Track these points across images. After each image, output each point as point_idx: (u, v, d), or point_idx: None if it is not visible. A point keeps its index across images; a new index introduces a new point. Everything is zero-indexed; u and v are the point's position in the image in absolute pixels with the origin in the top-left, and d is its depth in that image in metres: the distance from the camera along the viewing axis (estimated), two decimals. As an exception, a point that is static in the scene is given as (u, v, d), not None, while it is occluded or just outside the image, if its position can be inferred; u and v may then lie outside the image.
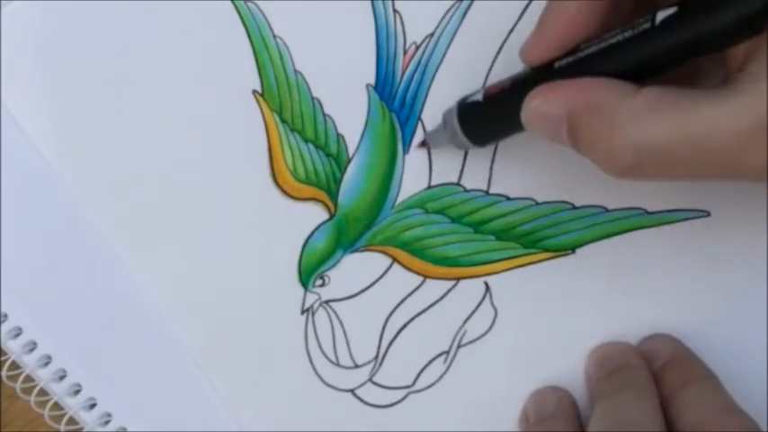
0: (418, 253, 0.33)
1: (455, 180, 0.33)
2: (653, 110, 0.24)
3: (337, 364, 0.34)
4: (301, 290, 0.33)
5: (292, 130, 0.33)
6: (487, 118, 0.30)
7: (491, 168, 0.33)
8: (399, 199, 0.33)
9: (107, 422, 0.34)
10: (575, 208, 0.33)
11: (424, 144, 0.33)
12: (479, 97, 0.29)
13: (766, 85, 0.22)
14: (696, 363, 0.31)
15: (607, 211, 0.33)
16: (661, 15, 0.24)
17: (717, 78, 0.26)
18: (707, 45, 0.23)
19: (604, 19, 0.26)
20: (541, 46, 0.27)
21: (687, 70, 0.25)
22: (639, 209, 0.33)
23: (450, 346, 0.33)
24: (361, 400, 0.34)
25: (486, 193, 0.33)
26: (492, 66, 0.32)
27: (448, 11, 0.32)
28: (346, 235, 0.33)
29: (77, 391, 0.34)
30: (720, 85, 0.24)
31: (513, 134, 0.29)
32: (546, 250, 0.33)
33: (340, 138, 0.33)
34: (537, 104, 0.26)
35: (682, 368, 0.31)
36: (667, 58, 0.24)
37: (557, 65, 0.26)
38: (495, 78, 0.32)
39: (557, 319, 0.33)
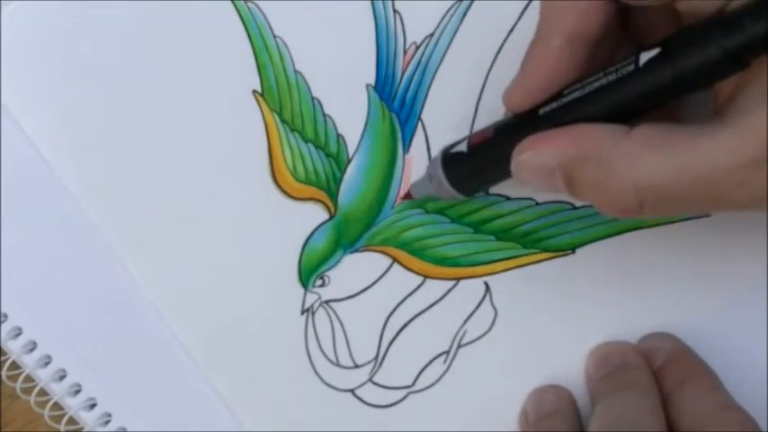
0: (418, 253, 0.33)
1: (455, 180, 0.33)
2: (647, 150, 0.23)
3: (337, 364, 0.34)
4: (301, 290, 0.33)
5: (292, 130, 0.33)
6: (473, 168, 0.29)
7: (491, 168, 0.33)
8: (399, 200, 0.33)
9: (107, 422, 0.34)
10: (575, 208, 0.33)
11: (408, 196, 0.33)
12: (463, 147, 0.29)
13: (758, 118, 0.22)
14: (696, 361, 0.31)
15: (607, 210, 0.33)
16: (644, 57, 0.23)
17: (705, 108, 0.26)
18: (693, 83, 0.23)
19: (586, 61, 0.26)
20: (524, 92, 0.27)
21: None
22: (639, 209, 0.33)
23: (450, 346, 0.33)
24: (361, 400, 0.34)
25: (486, 193, 0.33)
26: (492, 66, 0.32)
27: (448, 11, 0.32)
28: (346, 235, 0.33)
29: (77, 391, 0.34)
30: (710, 118, 0.23)
31: (501, 181, 0.29)
32: (546, 250, 0.33)
33: (340, 138, 0.33)
34: (527, 157, 0.26)
35: (681, 366, 0.31)
36: (654, 98, 0.24)
37: (541, 111, 0.26)
38: (494, 79, 0.33)
39: (557, 319, 0.33)
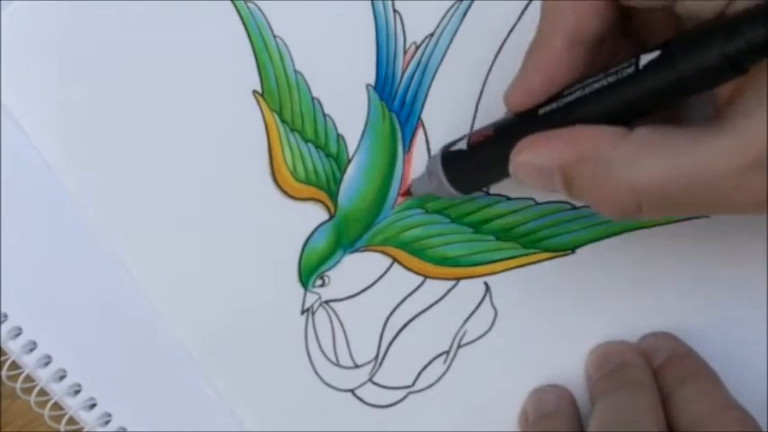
0: (418, 253, 0.33)
1: (455, 180, 0.33)
2: (646, 152, 0.24)
3: (337, 364, 0.34)
4: (301, 290, 0.33)
5: (292, 130, 0.33)
6: (473, 167, 0.29)
7: (491, 168, 0.33)
8: (399, 199, 0.33)
9: (107, 422, 0.34)
10: (575, 208, 0.33)
11: (408, 193, 0.33)
12: (463, 146, 0.29)
13: (756, 123, 0.22)
14: (695, 360, 0.31)
15: (607, 210, 0.33)
16: (644, 59, 0.23)
17: (705, 109, 0.26)
18: (692, 87, 0.23)
19: (586, 63, 0.26)
20: (524, 92, 0.27)
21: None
22: (639, 209, 0.33)
23: (451, 346, 0.33)
24: (361, 400, 0.34)
25: (486, 193, 0.33)
26: (492, 66, 0.32)
27: (448, 11, 0.32)
28: (346, 235, 0.33)
29: (77, 391, 0.34)
30: (709, 120, 0.23)
31: (500, 181, 0.29)
32: (546, 250, 0.33)
33: (340, 138, 0.33)
34: (526, 158, 0.26)
35: (681, 365, 0.31)
36: (653, 101, 0.24)
37: (541, 111, 0.26)
38: (494, 79, 0.32)
39: (557, 318, 0.33)
